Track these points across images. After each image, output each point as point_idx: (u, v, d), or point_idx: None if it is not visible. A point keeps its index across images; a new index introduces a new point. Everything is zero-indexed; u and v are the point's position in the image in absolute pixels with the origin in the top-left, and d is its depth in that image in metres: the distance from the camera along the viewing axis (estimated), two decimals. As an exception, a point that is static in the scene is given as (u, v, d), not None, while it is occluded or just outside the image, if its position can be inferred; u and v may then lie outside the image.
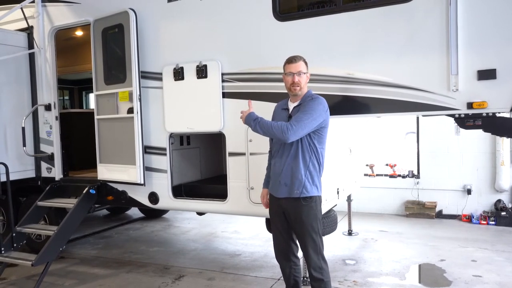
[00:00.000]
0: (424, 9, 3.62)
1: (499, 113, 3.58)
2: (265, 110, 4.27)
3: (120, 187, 5.24)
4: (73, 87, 10.27)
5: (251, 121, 3.38)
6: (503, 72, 3.41)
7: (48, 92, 5.74)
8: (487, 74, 3.45)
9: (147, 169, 4.94)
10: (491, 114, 3.56)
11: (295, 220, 3.39)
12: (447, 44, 3.54)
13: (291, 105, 3.48)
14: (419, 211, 7.56)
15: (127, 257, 5.88)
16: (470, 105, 3.53)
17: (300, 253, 3.55)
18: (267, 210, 4.29)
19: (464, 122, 3.72)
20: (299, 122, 3.21)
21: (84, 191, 5.24)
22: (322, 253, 3.39)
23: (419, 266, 5.19)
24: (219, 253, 5.90)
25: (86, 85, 9.83)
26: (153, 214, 8.22)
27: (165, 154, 4.90)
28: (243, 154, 4.43)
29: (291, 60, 3.42)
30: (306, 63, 3.45)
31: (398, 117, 7.14)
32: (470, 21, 3.48)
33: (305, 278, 4.19)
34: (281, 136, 3.22)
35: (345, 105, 3.96)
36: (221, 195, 4.64)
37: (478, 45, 3.48)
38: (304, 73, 3.41)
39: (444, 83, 3.59)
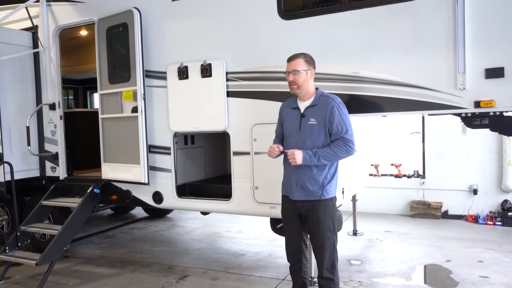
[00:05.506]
0: (431, 6, 3.59)
1: (506, 112, 3.54)
2: (270, 109, 4.26)
3: (124, 187, 5.23)
4: (78, 87, 10.30)
5: (312, 158, 3.24)
6: (511, 70, 3.37)
7: (52, 92, 5.74)
8: (495, 73, 3.42)
9: (151, 168, 4.94)
10: (498, 113, 3.52)
11: (312, 220, 3.36)
12: (454, 42, 3.50)
13: (302, 105, 3.43)
14: (425, 211, 7.51)
15: (131, 256, 5.87)
16: (477, 104, 3.49)
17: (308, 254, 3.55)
18: (272, 210, 4.30)
19: (471, 121, 3.68)
20: (349, 133, 3.28)
21: (88, 191, 5.25)
22: (336, 252, 3.38)
23: (425, 266, 5.14)
24: (223, 253, 5.88)
25: (90, 85, 9.86)
26: (157, 213, 8.20)
27: (169, 154, 4.89)
28: (248, 153, 4.41)
29: (289, 59, 3.43)
30: (307, 60, 3.38)
31: (403, 116, 7.09)
32: (478, 19, 3.45)
33: (310, 278, 4.15)
34: (348, 155, 3.30)
35: (350, 104, 3.91)
36: (226, 194, 4.63)
37: (486, 43, 3.44)
38: (304, 71, 3.33)
39: (451, 82, 3.55)
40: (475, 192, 7.25)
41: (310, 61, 3.40)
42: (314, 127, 3.30)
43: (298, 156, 3.24)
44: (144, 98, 4.80)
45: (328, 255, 3.34)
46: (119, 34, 4.97)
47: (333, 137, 3.28)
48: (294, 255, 3.56)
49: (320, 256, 3.38)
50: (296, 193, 3.40)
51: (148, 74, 4.89)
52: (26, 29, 5.84)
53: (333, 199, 3.41)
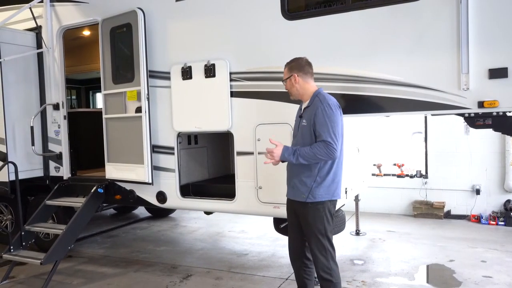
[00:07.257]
0: (434, 7, 3.59)
1: (510, 112, 3.54)
2: (273, 110, 4.28)
3: (128, 186, 5.25)
4: (80, 87, 10.32)
5: (291, 156, 3.24)
6: (515, 71, 3.38)
7: (56, 92, 5.76)
8: (498, 73, 3.42)
9: (155, 168, 4.95)
10: (501, 113, 3.53)
11: (303, 221, 3.39)
12: (457, 42, 3.51)
13: (303, 106, 3.48)
14: (427, 211, 7.51)
15: (134, 256, 5.89)
16: (481, 104, 3.50)
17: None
18: (275, 210, 4.32)
19: (474, 121, 3.69)
20: (331, 136, 3.14)
21: (92, 190, 5.26)
22: (332, 254, 3.34)
23: (428, 266, 5.15)
24: (227, 253, 5.89)
25: (93, 85, 9.88)
26: (160, 213, 8.22)
27: (173, 154, 4.91)
28: (251, 153, 4.42)
29: None
30: (290, 67, 3.41)
31: (406, 116, 7.10)
32: (481, 19, 3.45)
33: (316, 280, 4.16)
34: (329, 158, 3.19)
35: (353, 105, 3.94)
36: (229, 194, 4.64)
37: (489, 43, 3.45)
38: (287, 78, 3.42)
39: (455, 82, 3.56)
40: (477, 192, 7.25)
41: (293, 66, 3.41)
42: (305, 129, 3.32)
43: (276, 153, 3.27)
44: (148, 98, 4.82)
45: (321, 257, 3.31)
46: (123, 35, 4.99)
47: (317, 139, 3.21)
48: (293, 252, 3.59)
49: (314, 258, 3.38)
50: (288, 191, 3.50)
51: (152, 74, 4.91)
52: (30, 30, 5.86)
53: (326, 203, 3.30)
